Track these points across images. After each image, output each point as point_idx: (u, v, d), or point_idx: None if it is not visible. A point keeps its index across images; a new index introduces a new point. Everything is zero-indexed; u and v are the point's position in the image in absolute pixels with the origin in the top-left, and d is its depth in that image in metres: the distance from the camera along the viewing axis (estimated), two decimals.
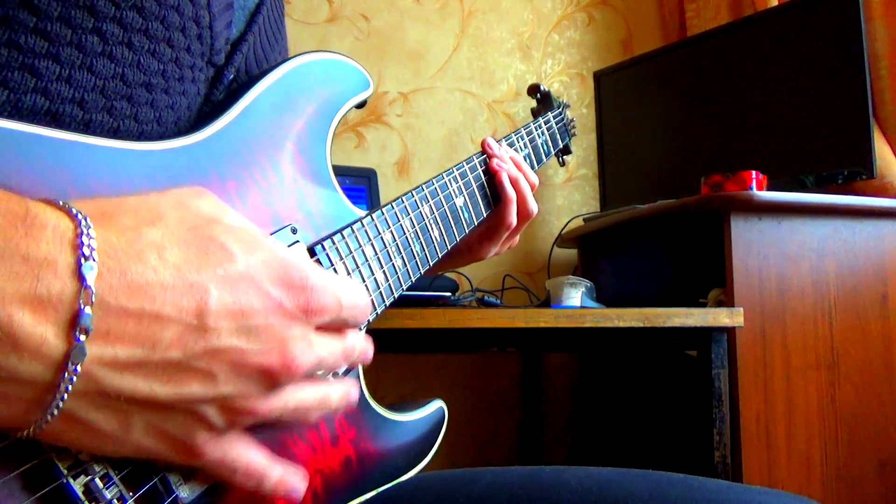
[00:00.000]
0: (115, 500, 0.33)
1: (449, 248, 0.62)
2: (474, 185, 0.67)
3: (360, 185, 1.49)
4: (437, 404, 0.59)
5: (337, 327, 0.38)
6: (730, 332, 1.12)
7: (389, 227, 0.54)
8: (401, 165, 1.75)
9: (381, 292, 0.52)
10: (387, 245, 0.53)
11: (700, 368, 1.13)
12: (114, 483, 0.33)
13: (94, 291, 0.28)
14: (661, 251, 1.48)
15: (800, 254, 1.19)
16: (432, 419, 0.58)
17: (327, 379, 0.39)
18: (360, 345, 0.40)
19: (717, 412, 1.09)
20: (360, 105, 0.55)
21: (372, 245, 0.51)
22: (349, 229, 0.50)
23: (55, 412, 0.28)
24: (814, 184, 1.32)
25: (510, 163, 0.71)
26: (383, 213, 0.53)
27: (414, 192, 0.58)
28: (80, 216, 0.29)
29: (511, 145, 0.76)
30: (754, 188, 1.21)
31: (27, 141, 0.33)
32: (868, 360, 1.20)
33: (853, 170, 1.29)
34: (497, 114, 1.83)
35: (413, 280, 0.56)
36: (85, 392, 0.29)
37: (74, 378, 0.28)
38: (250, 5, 0.51)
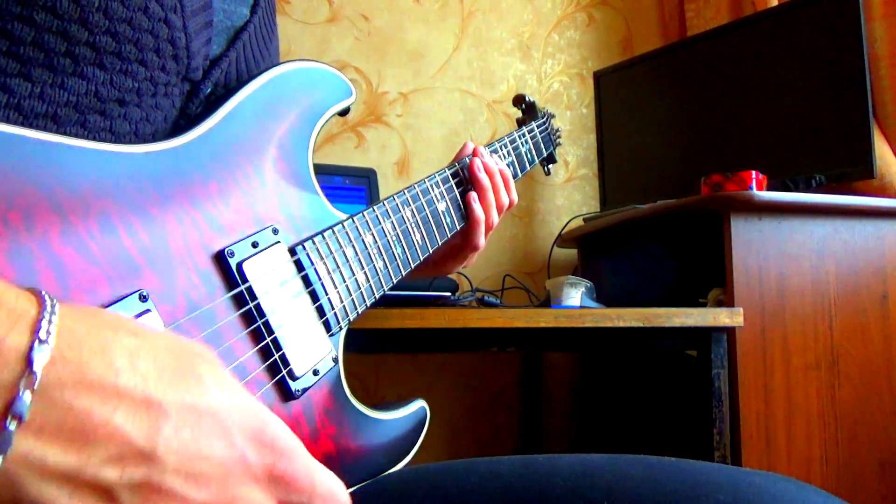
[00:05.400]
0: None
1: (431, 251, 0.63)
2: (457, 191, 0.68)
3: (359, 185, 1.49)
4: (419, 404, 0.59)
5: None
6: (730, 332, 1.12)
7: (371, 230, 0.55)
8: (401, 165, 1.75)
9: (361, 293, 0.53)
10: (368, 247, 0.54)
11: (700, 368, 1.13)
12: None
13: (37, 378, 0.25)
14: (661, 251, 1.48)
15: (800, 254, 1.19)
16: (414, 418, 0.58)
17: None
18: None
19: (717, 412, 1.09)
20: (343, 113, 0.56)
21: (353, 247, 0.53)
22: (330, 231, 0.51)
23: None
24: (814, 184, 1.32)
25: (488, 179, 0.70)
26: (364, 217, 0.55)
27: (395, 196, 0.59)
28: (47, 300, 0.27)
29: (494, 153, 0.76)
30: (754, 188, 1.21)
31: (13, 141, 0.33)
32: (868, 360, 1.20)
33: (853, 170, 1.29)
34: (497, 114, 1.83)
35: (394, 282, 0.57)
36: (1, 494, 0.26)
37: None
38: (237, 23, 0.51)
